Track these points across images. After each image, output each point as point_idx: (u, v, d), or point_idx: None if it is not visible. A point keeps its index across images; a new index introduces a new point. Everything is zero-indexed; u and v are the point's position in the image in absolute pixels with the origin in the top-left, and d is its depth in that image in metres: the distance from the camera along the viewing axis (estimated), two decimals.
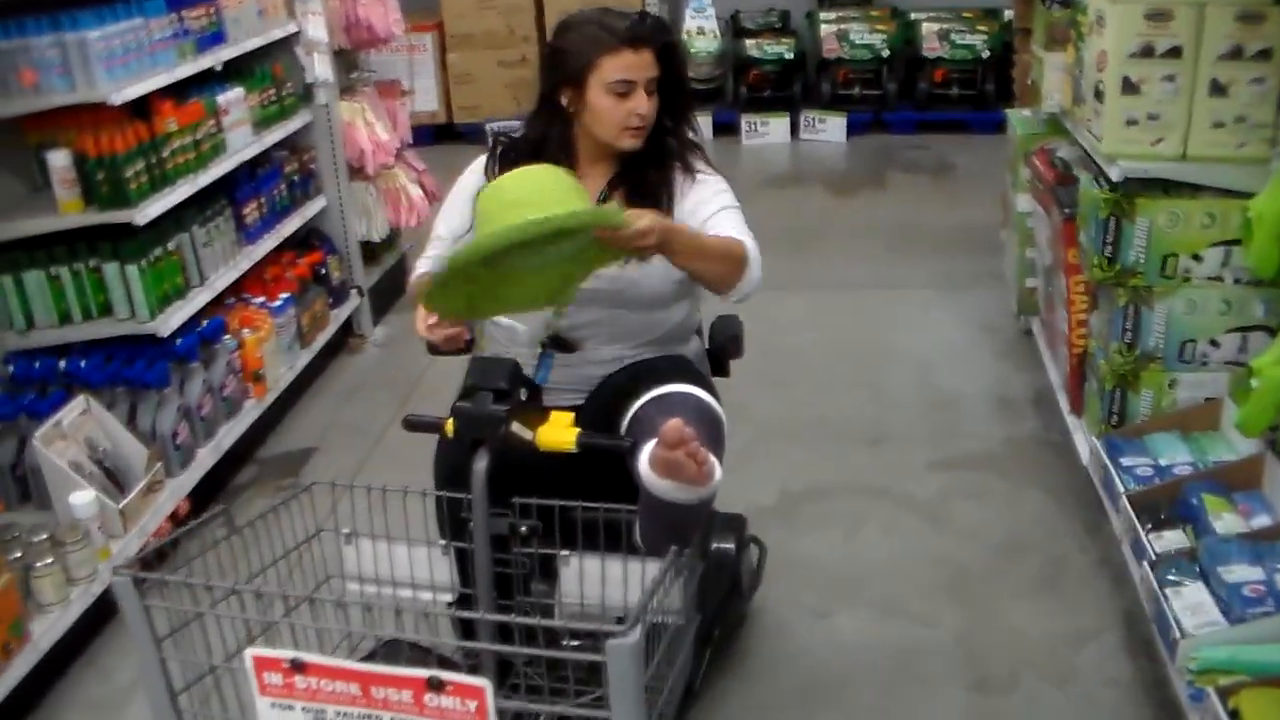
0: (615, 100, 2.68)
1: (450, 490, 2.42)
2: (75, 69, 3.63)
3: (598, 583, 2.39)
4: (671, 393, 2.48)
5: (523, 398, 2.26)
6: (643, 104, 2.68)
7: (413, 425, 2.38)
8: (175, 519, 3.88)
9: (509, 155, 2.80)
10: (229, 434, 4.28)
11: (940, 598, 3.54)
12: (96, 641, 3.49)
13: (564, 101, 2.74)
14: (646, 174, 2.79)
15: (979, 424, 4.55)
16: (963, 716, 3.10)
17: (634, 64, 2.66)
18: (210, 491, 4.21)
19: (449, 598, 2.47)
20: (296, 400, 4.98)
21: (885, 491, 4.11)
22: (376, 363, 5.45)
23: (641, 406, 2.51)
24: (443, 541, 2.44)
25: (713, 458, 2.25)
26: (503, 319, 2.75)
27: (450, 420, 2.31)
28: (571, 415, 2.36)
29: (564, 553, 2.39)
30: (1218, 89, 3.32)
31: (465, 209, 2.78)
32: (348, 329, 5.58)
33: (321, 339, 5.13)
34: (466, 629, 2.51)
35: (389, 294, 5.93)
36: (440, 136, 9.20)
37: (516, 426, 2.24)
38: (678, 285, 2.80)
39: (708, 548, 2.96)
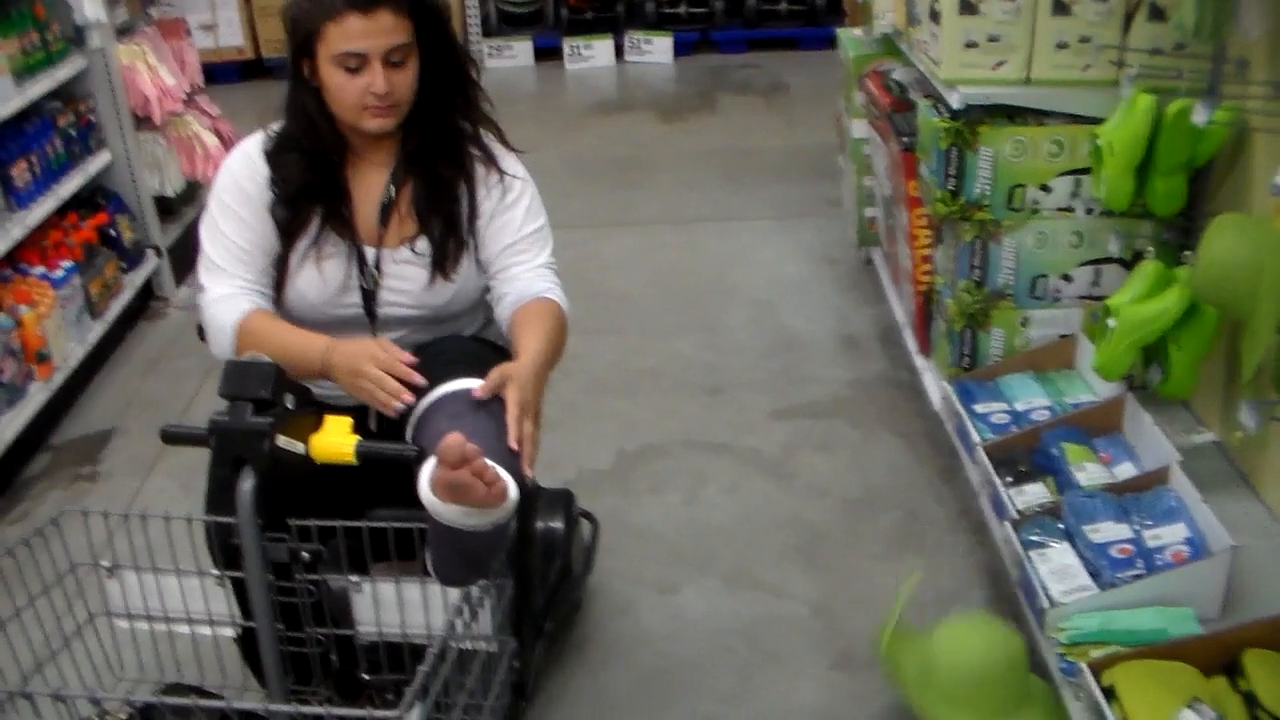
0: (346, 76, 2.27)
1: (223, 510, 2.09)
2: None
3: (395, 608, 2.09)
4: (457, 392, 2.15)
5: (289, 405, 1.94)
6: (378, 80, 2.25)
7: (172, 439, 2.04)
8: None
9: (283, 146, 2.39)
10: (11, 423, 3.86)
11: (793, 564, 3.32)
12: None
13: (307, 75, 2.34)
14: (436, 168, 2.43)
15: (823, 367, 4.33)
16: (827, 697, 2.88)
17: (362, 30, 2.23)
18: None
19: (230, 632, 2.16)
20: (92, 377, 4.56)
21: (727, 447, 3.87)
22: (180, 327, 5.01)
23: (426, 408, 2.18)
24: (215, 572, 2.11)
25: (505, 475, 1.93)
26: None
27: None
28: (350, 420, 2.04)
29: (354, 579, 2.08)
30: (1060, 8, 3.09)
31: (259, 212, 2.38)
32: (147, 293, 5.15)
33: (116, 307, 4.70)
34: (256, 666, 2.20)
35: (192, 251, 5.49)
36: (249, 73, 8.67)
37: (284, 440, 1.92)
38: (481, 293, 2.53)
39: (532, 529, 2.68)
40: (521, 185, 2.48)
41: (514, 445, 2.06)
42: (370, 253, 2.42)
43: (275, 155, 2.38)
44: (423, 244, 2.42)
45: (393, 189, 2.42)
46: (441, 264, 2.42)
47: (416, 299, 2.43)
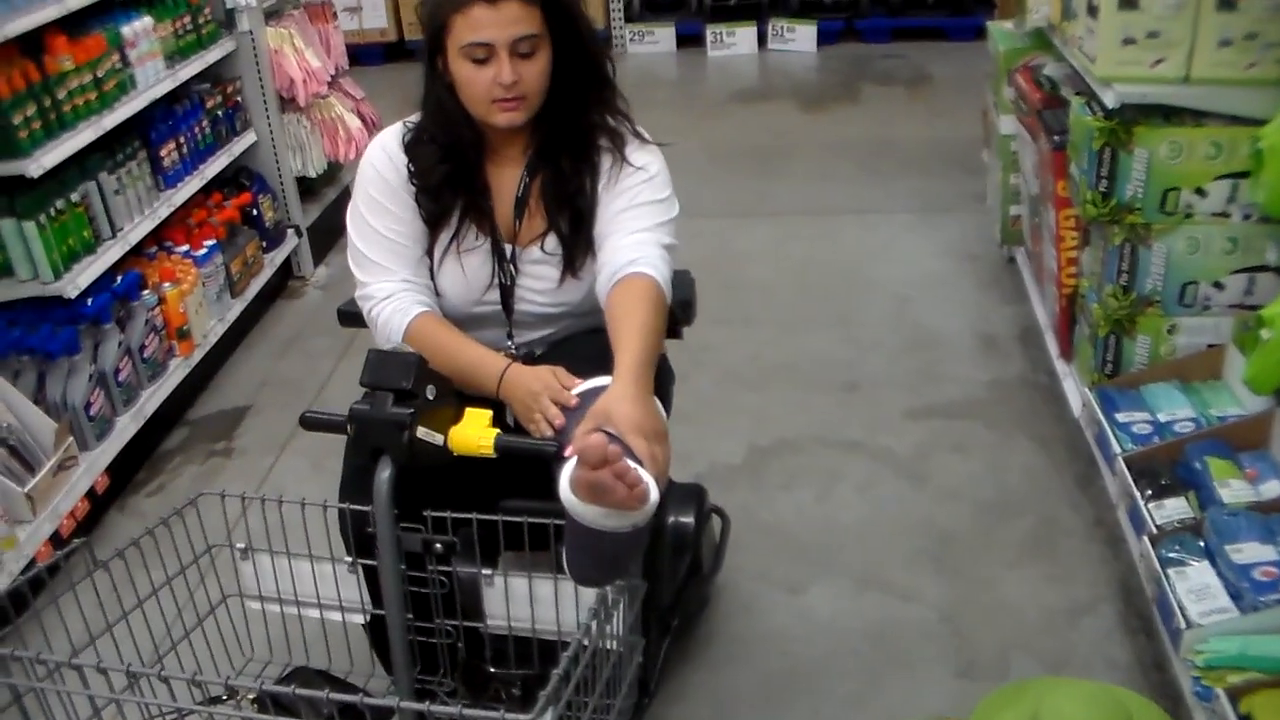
0: (474, 68, 2.24)
1: (358, 497, 2.10)
2: None
3: (526, 603, 2.08)
4: (596, 389, 2.12)
5: (430, 396, 1.94)
6: (504, 70, 2.21)
7: (311, 424, 2.05)
8: (93, 496, 3.58)
9: (419, 140, 2.39)
10: (153, 398, 3.95)
11: (923, 567, 3.26)
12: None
13: (440, 70, 2.32)
14: (560, 165, 2.38)
15: (961, 366, 4.25)
16: (950, 704, 2.81)
17: (488, 21, 2.19)
18: (135, 460, 3.93)
19: (360, 619, 2.17)
20: (230, 354, 4.66)
21: (860, 445, 3.81)
22: (318, 307, 5.10)
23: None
24: (349, 559, 2.13)
25: (647, 476, 1.90)
26: None
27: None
28: (489, 413, 2.03)
29: (487, 572, 2.08)
30: (1226, 3, 2.96)
31: (405, 201, 2.37)
32: (286, 272, 5.25)
33: (255, 286, 4.79)
34: (383, 654, 2.22)
35: (331, 230, 5.59)
36: (391, 55, 8.79)
37: (424, 431, 1.92)
38: None
39: (664, 522, 2.66)
40: (649, 161, 2.40)
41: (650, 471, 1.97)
42: (508, 249, 2.41)
43: (413, 147, 2.38)
44: (551, 242, 2.39)
45: (526, 182, 2.39)
46: (571, 263, 2.39)
47: (551, 297, 2.42)
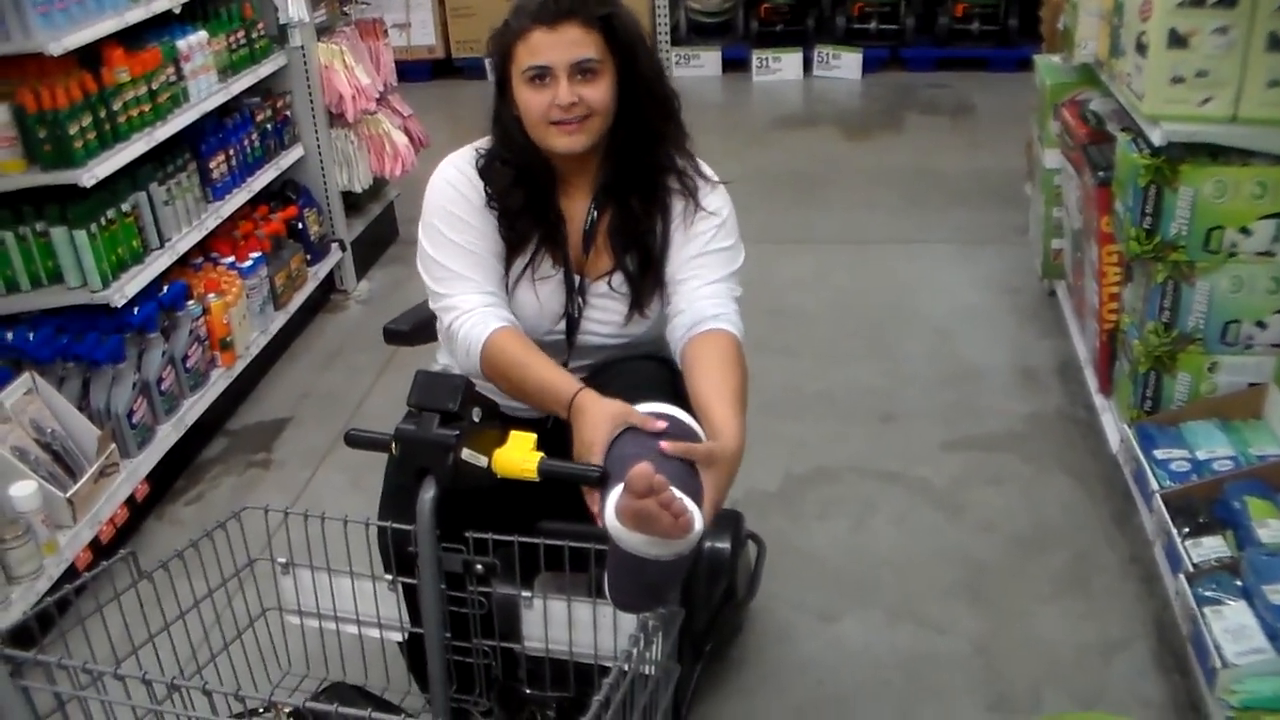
0: (533, 91, 2.26)
1: (398, 516, 2.12)
2: (8, 16, 3.28)
3: (564, 626, 2.10)
4: (647, 414, 2.13)
5: (475, 418, 1.95)
6: (563, 91, 2.22)
7: (355, 442, 2.07)
8: (133, 503, 3.62)
9: (491, 164, 2.39)
10: (194, 408, 4.00)
11: (957, 599, 3.26)
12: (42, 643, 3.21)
13: (509, 99, 2.34)
14: (630, 205, 2.38)
15: (999, 398, 4.24)
16: None
17: (548, 44, 2.21)
18: (175, 468, 3.97)
19: (398, 637, 2.18)
20: (271, 365, 4.70)
21: (897, 476, 3.81)
22: (359, 321, 5.14)
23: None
24: (389, 576, 2.14)
25: (692, 505, 1.91)
26: None
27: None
28: (534, 436, 2.04)
29: (526, 594, 2.09)
30: (1276, 44, 2.96)
31: (485, 215, 2.37)
32: (329, 286, 5.29)
33: (299, 299, 4.83)
34: (420, 673, 2.23)
35: (374, 246, 5.64)
36: (438, 72, 8.87)
37: (468, 453, 1.93)
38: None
39: (700, 548, 2.65)
40: (717, 212, 2.40)
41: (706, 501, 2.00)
42: (577, 280, 2.42)
43: (486, 171, 2.38)
44: (619, 280, 2.40)
45: (594, 213, 2.40)
46: (639, 302, 2.40)
47: (615, 330, 2.43)
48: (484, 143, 2.43)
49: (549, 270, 2.40)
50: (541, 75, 2.23)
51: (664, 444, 1.99)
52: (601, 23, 2.25)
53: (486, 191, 2.36)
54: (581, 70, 2.23)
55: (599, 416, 2.08)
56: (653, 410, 2.08)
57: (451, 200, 2.37)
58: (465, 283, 2.34)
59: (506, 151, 2.36)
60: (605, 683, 1.71)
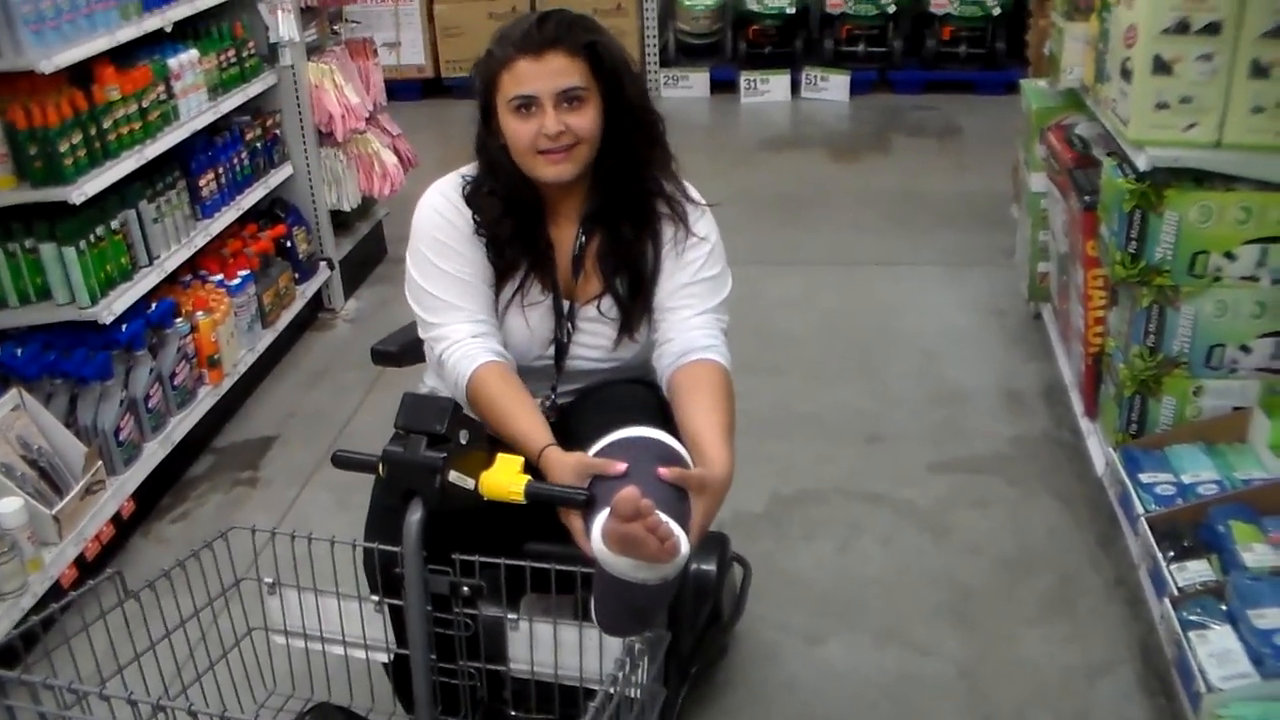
0: (520, 120, 2.26)
1: (384, 537, 2.12)
2: (0, 34, 3.28)
3: (550, 648, 2.10)
4: (631, 439, 2.13)
5: (463, 441, 1.96)
6: (549, 120, 2.23)
7: (343, 463, 2.07)
8: (119, 520, 3.61)
9: (478, 193, 2.40)
10: (181, 425, 3.99)
11: (942, 621, 3.26)
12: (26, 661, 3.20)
13: (494, 129, 2.35)
14: (619, 226, 2.40)
15: (985, 421, 4.26)
16: None
17: (533, 73, 2.22)
18: (161, 486, 3.96)
19: (384, 658, 2.19)
20: (258, 384, 4.70)
21: (883, 497, 3.82)
22: (347, 340, 5.14)
23: (597, 453, 2.14)
24: (375, 597, 2.15)
25: (678, 529, 1.92)
26: None
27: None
28: (521, 459, 2.05)
29: (512, 616, 2.10)
30: (1259, 71, 2.99)
31: (473, 242, 2.38)
32: (317, 304, 5.29)
33: (287, 317, 4.83)
34: (405, 694, 2.23)
35: (363, 265, 5.64)
36: (428, 92, 8.88)
37: (455, 475, 1.94)
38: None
39: (686, 570, 2.66)
40: (706, 238, 2.42)
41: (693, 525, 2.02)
42: (567, 305, 2.43)
43: (474, 199, 2.39)
44: (608, 303, 2.41)
45: (583, 238, 2.41)
46: (628, 326, 2.42)
47: (604, 354, 2.45)
48: (470, 169, 2.44)
49: (538, 296, 2.41)
50: (527, 104, 2.24)
51: (662, 470, 2.00)
52: (586, 50, 2.26)
53: (475, 219, 2.37)
54: (568, 99, 2.24)
55: (560, 473, 2.09)
56: (639, 435, 2.09)
57: (439, 228, 2.38)
58: (455, 312, 2.35)
59: (493, 180, 2.37)
60: (591, 705, 1.72)
